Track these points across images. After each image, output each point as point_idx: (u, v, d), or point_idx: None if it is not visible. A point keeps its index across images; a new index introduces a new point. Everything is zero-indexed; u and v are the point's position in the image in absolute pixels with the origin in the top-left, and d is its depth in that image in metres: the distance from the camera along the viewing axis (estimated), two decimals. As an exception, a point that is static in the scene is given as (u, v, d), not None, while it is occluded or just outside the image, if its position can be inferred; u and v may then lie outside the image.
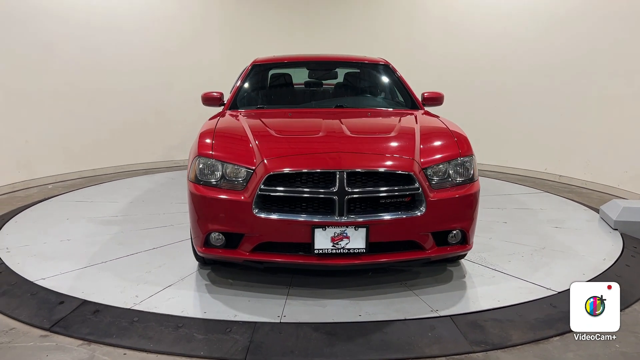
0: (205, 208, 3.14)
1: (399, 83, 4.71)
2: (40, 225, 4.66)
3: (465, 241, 3.24)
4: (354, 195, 2.95)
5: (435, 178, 3.13)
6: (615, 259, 3.88)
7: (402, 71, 4.85)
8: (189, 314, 2.97)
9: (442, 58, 7.87)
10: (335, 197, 2.93)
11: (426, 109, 4.44)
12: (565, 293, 3.16)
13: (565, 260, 3.83)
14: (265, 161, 3.05)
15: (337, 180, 2.92)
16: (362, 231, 2.97)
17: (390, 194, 3.01)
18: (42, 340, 2.73)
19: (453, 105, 7.70)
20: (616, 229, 4.54)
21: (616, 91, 6.11)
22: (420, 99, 4.50)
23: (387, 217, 3.01)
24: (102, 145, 7.14)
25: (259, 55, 5.38)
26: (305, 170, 2.99)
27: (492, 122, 7.56)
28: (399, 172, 3.01)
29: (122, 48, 7.17)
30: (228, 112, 4.22)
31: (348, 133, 3.40)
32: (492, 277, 3.54)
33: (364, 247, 2.99)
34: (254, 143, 3.26)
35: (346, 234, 2.97)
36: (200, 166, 3.19)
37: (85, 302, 3.09)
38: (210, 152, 3.22)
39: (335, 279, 3.47)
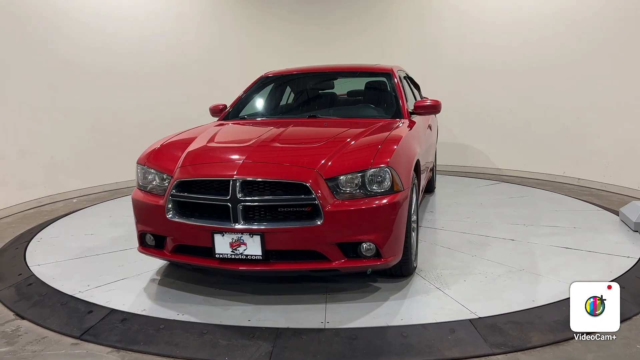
0: (138, 211, 3.51)
1: (391, 92, 4.63)
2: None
3: (379, 255, 3.11)
4: (247, 203, 3.05)
5: (341, 188, 3.07)
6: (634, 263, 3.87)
7: (417, 78, 4.88)
8: (110, 305, 3.27)
9: (458, 65, 7.88)
10: (229, 204, 3.06)
11: (418, 117, 4.41)
12: (486, 319, 2.99)
13: (530, 285, 3.47)
14: (178, 169, 3.30)
15: (230, 188, 3.04)
16: (257, 238, 3.03)
17: (283, 202, 3.05)
18: (73, 348, 2.83)
19: (469, 110, 7.77)
20: (637, 231, 4.51)
21: (634, 92, 6.08)
22: (410, 108, 4.43)
23: (281, 225, 3.04)
24: (124, 159, 7.29)
25: (275, 67, 5.52)
26: (204, 179, 3.20)
27: (509, 126, 7.55)
28: (292, 181, 3.04)
29: (142, 64, 7.35)
30: (216, 122, 4.59)
31: (275, 144, 3.55)
32: (424, 295, 3.34)
33: (261, 254, 3.05)
34: (184, 152, 3.52)
35: (243, 240, 3.06)
36: (138, 173, 3.59)
37: (113, 311, 3.20)
38: (146, 160, 3.59)
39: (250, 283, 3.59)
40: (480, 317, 3.01)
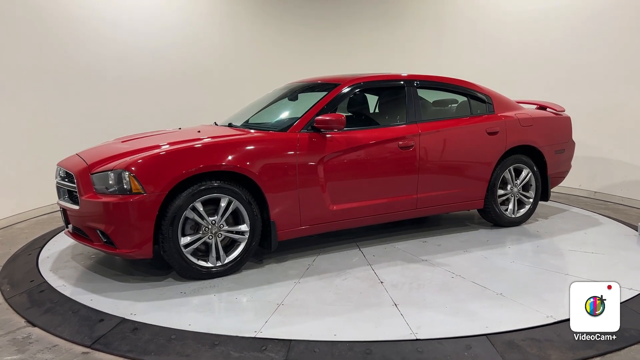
0: None
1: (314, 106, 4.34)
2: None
3: (114, 245, 3.59)
4: (62, 187, 4.01)
5: (98, 183, 3.66)
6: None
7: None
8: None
9: (472, 74, 7.82)
10: (58, 186, 4.10)
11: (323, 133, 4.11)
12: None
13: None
14: None
15: (56, 174, 4.15)
16: (64, 213, 4.01)
17: (66, 187, 3.96)
18: (83, 357, 2.80)
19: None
20: (656, 247, 4.42)
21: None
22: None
23: (65, 205, 3.92)
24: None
25: (293, 77, 5.60)
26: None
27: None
28: (68, 172, 3.90)
29: (158, 72, 7.40)
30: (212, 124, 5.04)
31: (124, 145, 4.12)
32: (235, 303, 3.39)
33: (69, 227, 4.02)
34: None
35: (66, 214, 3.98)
36: None
37: (124, 320, 3.17)
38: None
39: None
40: (495, 333, 2.93)
